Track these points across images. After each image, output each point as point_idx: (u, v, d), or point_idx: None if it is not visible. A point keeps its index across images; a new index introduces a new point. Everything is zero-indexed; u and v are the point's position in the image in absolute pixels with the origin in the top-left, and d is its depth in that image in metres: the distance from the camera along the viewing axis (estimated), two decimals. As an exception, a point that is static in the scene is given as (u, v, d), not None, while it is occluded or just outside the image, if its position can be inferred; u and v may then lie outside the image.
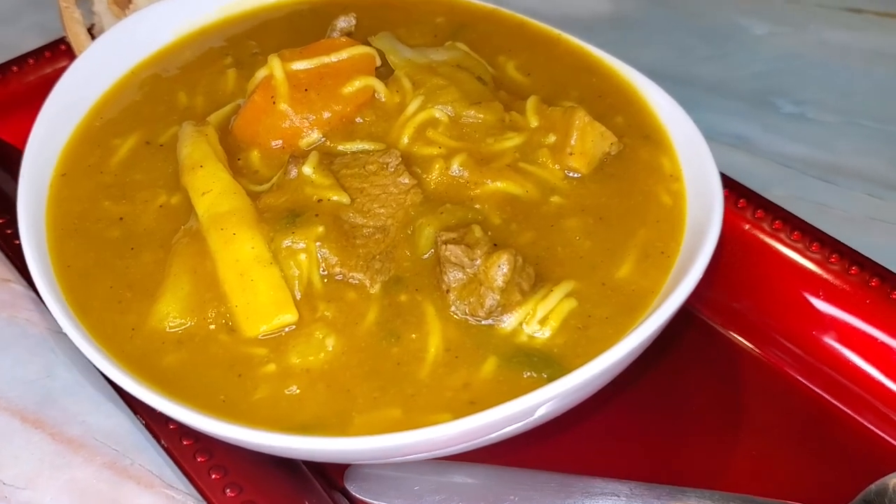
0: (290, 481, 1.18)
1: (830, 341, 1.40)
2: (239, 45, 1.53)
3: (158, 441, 1.20)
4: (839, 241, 1.41)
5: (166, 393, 1.06)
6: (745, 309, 1.45)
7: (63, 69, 1.46)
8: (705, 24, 2.14)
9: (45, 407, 1.44)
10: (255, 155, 1.31)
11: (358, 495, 1.22)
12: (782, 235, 1.43)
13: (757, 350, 1.41)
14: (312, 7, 1.61)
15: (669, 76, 2.01)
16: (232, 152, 1.32)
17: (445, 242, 1.12)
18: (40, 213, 1.26)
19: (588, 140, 1.26)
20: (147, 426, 1.20)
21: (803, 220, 1.45)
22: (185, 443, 1.16)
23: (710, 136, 1.83)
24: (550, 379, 1.02)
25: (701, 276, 1.09)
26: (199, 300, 1.14)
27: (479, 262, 1.10)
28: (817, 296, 1.40)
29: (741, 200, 1.47)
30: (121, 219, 1.26)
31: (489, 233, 1.21)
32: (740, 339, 1.42)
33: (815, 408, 1.34)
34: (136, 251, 1.22)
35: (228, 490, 1.11)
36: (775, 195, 1.72)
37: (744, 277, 1.45)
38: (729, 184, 1.50)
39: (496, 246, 1.12)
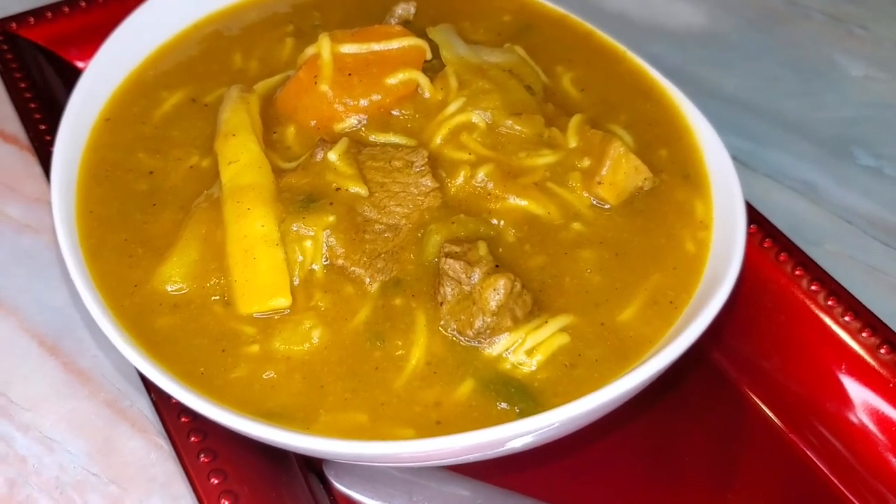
0: (270, 460, 1.20)
1: (850, 417, 1.33)
2: (303, 14, 1.53)
3: (149, 393, 1.24)
4: (875, 316, 1.33)
5: (150, 354, 1.08)
6: (764, 365, 1.39)
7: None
8: (800, 56, 2.04)
9: (64, 336, 1.50)
10: (290, 131, 1.31)
11: (334, 482, 1.24)
12: (819, 298, 1.36)
13: (767, 410, 1.36)
14: (385, -15, 1.59)
15: (749, 106, 1.93)
16: (270, 124, 1.33)
17: (447, 255, 1.11)
18: (76, 155, 1.29)
19: (620, 172, 1.22)
20: (140, 376, 1.23)
21: (841, 286, 1.37)
22: (172, 401, 1.19)
23: (777, 178, 1.78)
24: (522, 414, 1.01)
25: (697, 337, 1.04)
26: (203, 268, 1.16)
27: (476, 280, 1.08)
28: (840, 367, 1.33)
29: (783, 254, 1.40)
30: (151, 173, 1.29)
31: (500, 249, 1.19)
32: (753, 395, 1.37)
33: (817, 487, 1.28)
34: (157, 208, 1.24)
35: (202, 456, 1.14)
36: (827, 250, 1.65)
37: (770, 332, 1.40)
38: (772, 233, 1.43)
39: (497, 267, 1.10)
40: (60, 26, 1.84)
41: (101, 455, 1.36)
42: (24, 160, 1.76)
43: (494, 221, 1.21)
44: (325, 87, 1.28)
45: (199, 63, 1.45)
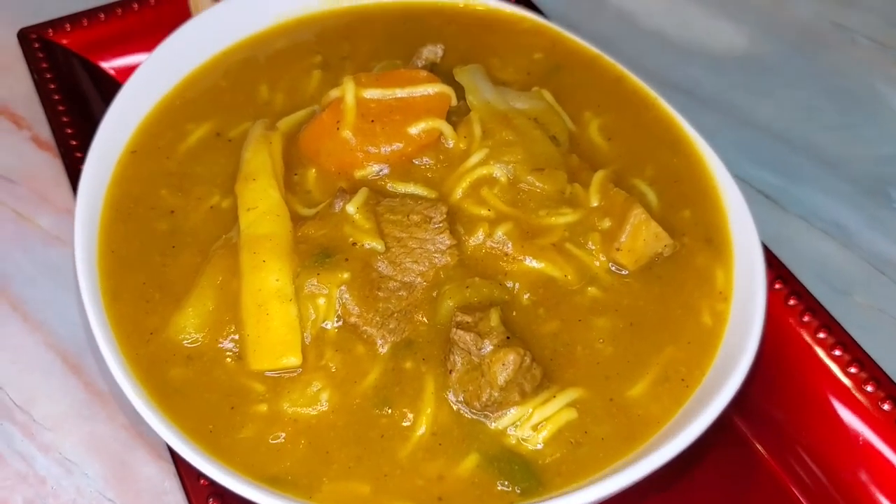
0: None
1: (874, 494, 1.30)
2: (331, 45, 1.52)
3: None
4: (896, 385, 1.31)
5: (162, 408, 1.10)
6: (783, 428, 1.36)
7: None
8: (841, 84, 1.98)
9: (86, 354, 1.53)
10: (311, 173, 1.31)
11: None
12: (847, 368, 1.34)
13: (784, 475, 1.33)
14: (415, 14, 1.57)
15: (784, 138, 1.88)
16: (292, 165, 1.33)
17: (458, 326, 1.11)
18: (101, 190, 1.31)
19: (640, 238, 1.21)
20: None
21: (867, 355, 1.34)
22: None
23: (808, 218, 1.74)
24: (523, 495, 1.01)
25: (706, 427, 1.03)
26: (217, 319, 1.17)
27: (486, 352, 1.08)
28: (858, 440, 1.31)
29: (807, 314, 1.38)
30: (172, 212, 1.30)
31: (514, 312, 1.19)
32: (769, 458, 1.34)
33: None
34: (176, 250, 1.25)
35: (212, 500, 1.16)
36: (856, 301, 1.62)
37: (790, 395, 1.37)
38: (797, 290, 1.41)
39: (509, 339, 1.10)
40: (96, 33, 1.85)
41: (117, 480, 1.39)
42: (57, 168, 1.77)
43: (510, 284, 1.20)
44: (347, 134, 1.28)
45: (226, 93, 1.45)
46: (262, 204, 1.24)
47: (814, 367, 1.36)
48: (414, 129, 1.28)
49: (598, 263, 1.23)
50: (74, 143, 1.62)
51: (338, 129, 1.28)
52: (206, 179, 1.33)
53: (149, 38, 1.86)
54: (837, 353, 1.36)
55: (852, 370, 1.34)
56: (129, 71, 1.83)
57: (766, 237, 1.66)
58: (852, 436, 1.33)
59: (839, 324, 1.38)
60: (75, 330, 1.55)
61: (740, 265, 1.23)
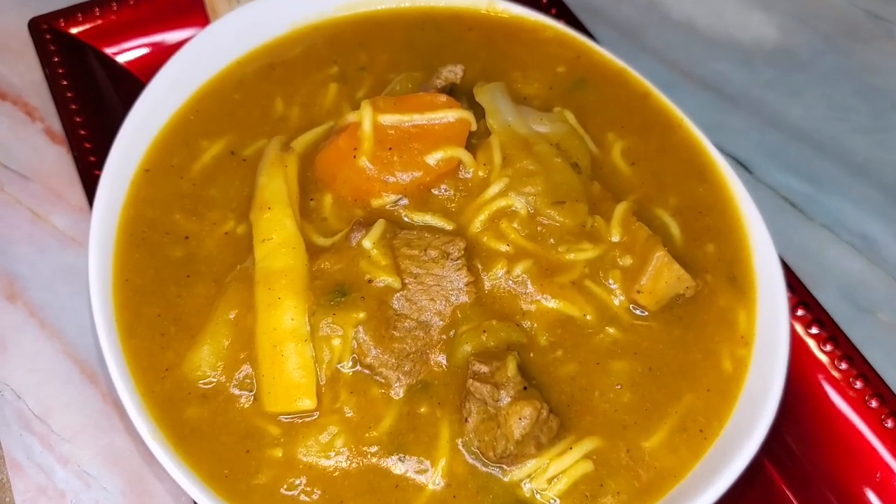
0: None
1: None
2: (348, 54, 1.47)
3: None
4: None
5: (178, 450, 1.10)
6: (801, 460, 1.35)
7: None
8: (877, 84, 1.91)
9: (103, 363, 1.53)
10: (328, 200, 1.29)
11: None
12: (864, 398, 1.32)
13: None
14: (434, 19, 1.52)
15: (813, 140, 1.83)
16: (308, 188, 1.30)
17: (474, 376, 1.09)
18: (115, 212, 1.29)
19: (661, 280, 1.18)
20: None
21: (888, 387, 1.33)
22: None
23: (834, 229, 1.70)
24: (536, 554, 1.01)
25: (725, 490, 1.02)
26: (232, 357, 1.17)
27: (503, 405, 1.07)
28: (875, 476, 1.30)
29: (828, 344, 1.36)
30: (186, 238, 1.28)
31: (531, 353, 1.17)
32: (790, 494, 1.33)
33: None
34: (191, 280, 1.24)
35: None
36: (880, 319, 1.60)
37: (810, 427, 1.35)
38: (821, 318, 1.38)
39: (526, 390, 1.09)
40: (108, 23, 1.81)
41: (135, 495, 1.41)
42: (70, 164, 1.76)
43: (527, 324, 1.19)
44: (364, 162, 1.25)
45: (240, 107, 1.42)
46: (277, 235, 1.22)
47: (836, 400, 1.34)
48: (433, 158, 1.25)
49: (617, 302, 1.21)
50: (88, 145, 1.60)
51: (354, 156, 1.25)
52: (221, 203, 1.31)
53: (162, 28, 1.84)
54: (858, 385, 1.34)
55: (873, 404, 1.32)
56: (142, 62, 1.82)
57: (790, 249, 1.64)
58: (862, 469, 1.32)
59: (861, 354, 1.36)
60: (91, 338, 1.55)
61: (763, 307, 1.21)
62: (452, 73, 1.33)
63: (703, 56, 1.95)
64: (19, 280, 1.62)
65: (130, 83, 1.79)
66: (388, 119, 1.26)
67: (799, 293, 1.41)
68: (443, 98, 1.28)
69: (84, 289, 1.61)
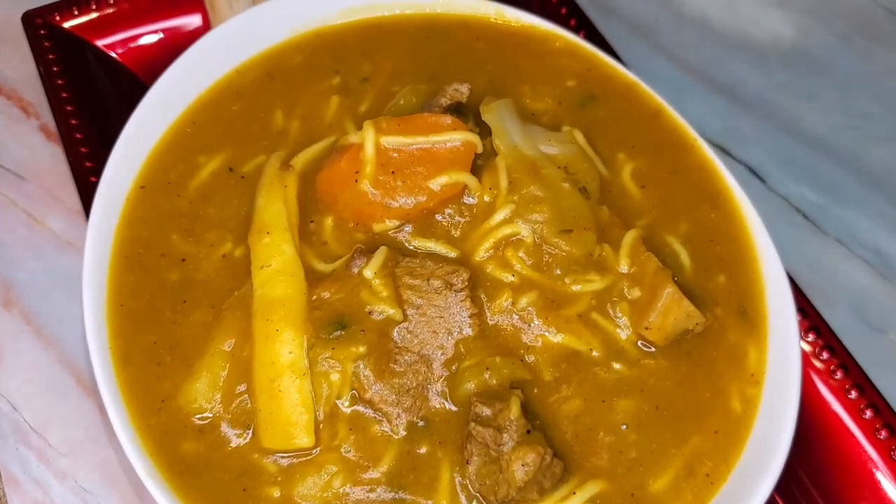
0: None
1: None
2: (350, 63, 1.42)
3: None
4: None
5: (174, 487, 1.08)
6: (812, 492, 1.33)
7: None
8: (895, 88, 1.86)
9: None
10: (328, 222, 1.25)
11: None
12: (877, 433, 1.30)
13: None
14: (440, 27, 1.47)
15: (828, 147, 1.78)
16: (308, 210, 1.27)
17: (476, 419, 1.07)
18: (110, 232, 1.26)
19: (670, 317, 1.15)
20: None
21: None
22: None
23: (848, 243, 1.66)
24: None
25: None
26: (229, 390, 1.14)
27: (506, 450, 1.05)
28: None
29: (853, 390, 1.32)
30: (183, 260, 1.25)
31: (535, 389, 1.15)
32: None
33: None
34: (187, 306, 1.21)
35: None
36: (892, 340, 1.57)
37: (824, 458, 1.33)
38: (831, 344, 1.35)
39: (529, 434, 1.06)
40: (105, 17, 1.76)
41: (132, 513, 1.40)
42: (66, 163, 1.72)
43: (531, 358, 1.16)
44: (366, 186, 1.21)
45: (239, 120, 1.37)
46: (275, 262, 1.19)
47: (847, 431, 1.31)
48: (437, 183, 1.21)
49: (624, 336, 1.18)
50: (84, 149, 1.56)
51: (356, 180, 1.21)
52: (219, 223, 1.28)
53: (161, 23, 1.79)
54: (868, 415, 1.31)
55: (882, 435, 1.30)
56: (141, 59, 1.77)
57: (802, 263, 1.61)
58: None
59: (872, 383, 1.34)
60: (87, 348, 1.53)
61: (775, 344, 1.18)
62: (458, 91, 1.29)
63: (716, 56, 1.90)
64: (15, 286, 1.59)
65: (129, 80, 1.75)
66: (391, 141, 1.22)
67: (811, 318, 1.38)
68: (448, 120, 1.24)
69: (81, 296, 1.59)
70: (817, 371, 1.34)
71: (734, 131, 1.78)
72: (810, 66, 1.89)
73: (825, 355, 1.35)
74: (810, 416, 1.32)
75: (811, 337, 1.37)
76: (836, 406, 1.34)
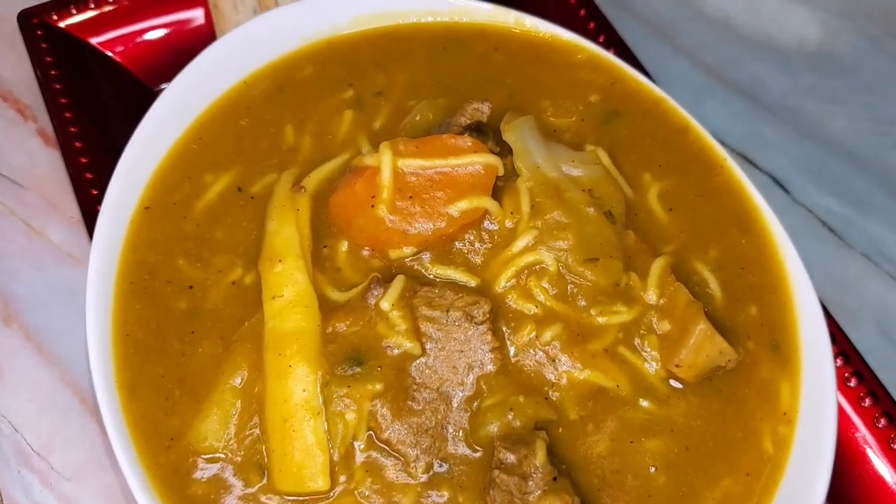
0: None
1: None
2: (364, 74, 1.36)
3: None
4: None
5: (183, 532, 1.04)
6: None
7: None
8: (925, 93, 1.80)
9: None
10: (342, 247, 1.20)
11: None
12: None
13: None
14: (457, 36, 1.40)
15: (854, 156, 1.72)
16: (321, 234, 1.21)
17: (500, 466, 1.02)
18: (114, 257, 1.20)
19: (702, 355, 1.10)
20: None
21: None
22: None
23: (874, 257, 1.61)
24: None
25: None
26: (240, 428, 1.10)
27: (532, 499, 1.00)
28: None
29: (883, 419, 1.28)
30: (191, 287, 1.19)
31: (560, 429, 1.10)
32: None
33: None
34: (196, 336, 1.16)
35: None
36: (919, 362, 1.52)
37: (849, 482, 1.29)
38: (860, 370, 1.31)
39: (555, 481, 1.02)
40: (103, 17, 1.69)
41: (139, 541, 1.35)
42: (64, 170, 1.66)
43: (556, 395, 1.11)
44: (382, 211, 1.16)
45: (247, 135, 1.31)
46: (288, 292, 1.14)
47: (877, 458, 1.28)
48: (456, 209, 1.16)
49: (653, 371, 1.13)
50: (84, 159, 1.50)
51: (373, 205, 1.16)
52: (227, 247, 1.22)
53: (162, 20, 1.72)
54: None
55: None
56: (139, 58, 1.71)
57: (827, 279, 1.56)
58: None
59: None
60: (90, 368, 1.48)
61: (808, 380, 1.13)
62: (479, 110, 1.23)
63: (737, 57, 1.83)
64: (15, 300, 1.54)
65: (129, 82, 1.69)
66: (409, 164, 1.16)
67: (839, 343, 1.33)
68: (468, 142, 1.18)
69: (83, 311, 1.53)
70: (846, 396, 1.29)
71: (756, 137, 1.72)
72: (837, 69, 1.82)
73: (853, 383, 1.31)
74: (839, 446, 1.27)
75: (839, 362, 1.32)
76: (865, 432, 1.30)
